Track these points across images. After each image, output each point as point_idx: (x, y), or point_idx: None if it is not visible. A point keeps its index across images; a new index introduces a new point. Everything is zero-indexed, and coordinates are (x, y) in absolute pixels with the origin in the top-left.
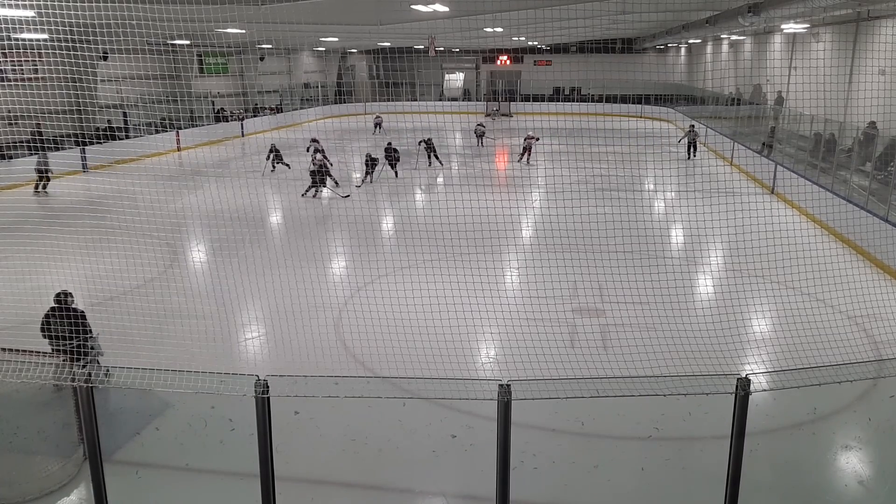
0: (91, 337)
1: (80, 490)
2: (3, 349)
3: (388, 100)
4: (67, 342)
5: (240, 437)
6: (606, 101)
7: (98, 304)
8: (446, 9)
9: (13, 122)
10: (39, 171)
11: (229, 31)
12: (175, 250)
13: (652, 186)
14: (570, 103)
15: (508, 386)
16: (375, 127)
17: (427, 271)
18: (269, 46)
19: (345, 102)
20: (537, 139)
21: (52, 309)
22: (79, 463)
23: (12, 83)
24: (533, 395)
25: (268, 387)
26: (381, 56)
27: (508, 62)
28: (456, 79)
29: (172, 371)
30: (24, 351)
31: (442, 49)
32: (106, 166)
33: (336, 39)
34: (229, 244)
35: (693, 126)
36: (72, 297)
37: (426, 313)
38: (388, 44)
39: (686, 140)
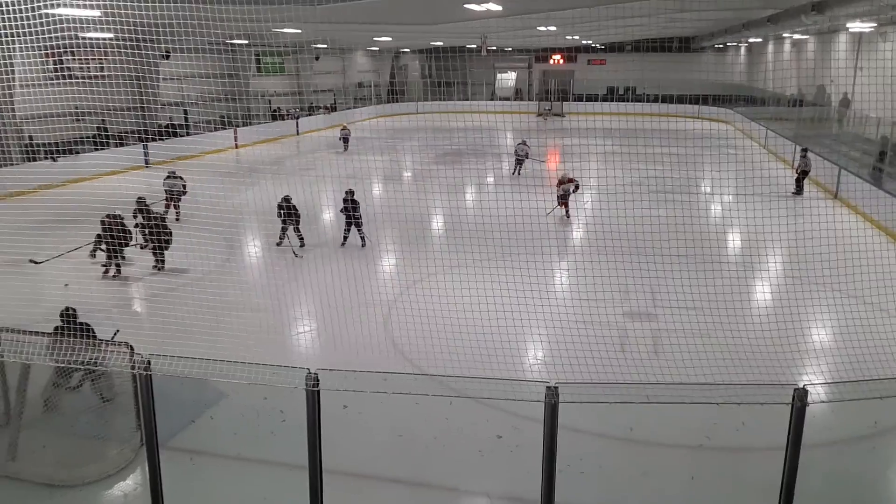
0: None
1: (137, 475)
2: (64, 335)
3: (440, 99)
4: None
5: (290, 428)
6: (662, 102)
7: (158, 294)
8: (500, 8)
9: (80, 118)
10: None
11: (286, 30)
12: (232, 245)
13: (709, 189)
14: (624, 103)
15: (556, 388)
16: (343, 142)
17: (476, 271)
18: (325, 46)
19: (397, 102)
20: (577, 186)
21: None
22: (136, 448)
23: (79, 80)
24: (581, 398)
25: (318, 380)
26: (433, 55)
27: (562, 61)
28: (508, 78)
29: (228, 362)
30: (88, 337)
31: (494, 48)
32: (167, 162)
33: (390, 39)
34: (284, 240)
35: (806, 152)
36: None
37: (474, 313)
38: (440, 43)
39: (798, 169)
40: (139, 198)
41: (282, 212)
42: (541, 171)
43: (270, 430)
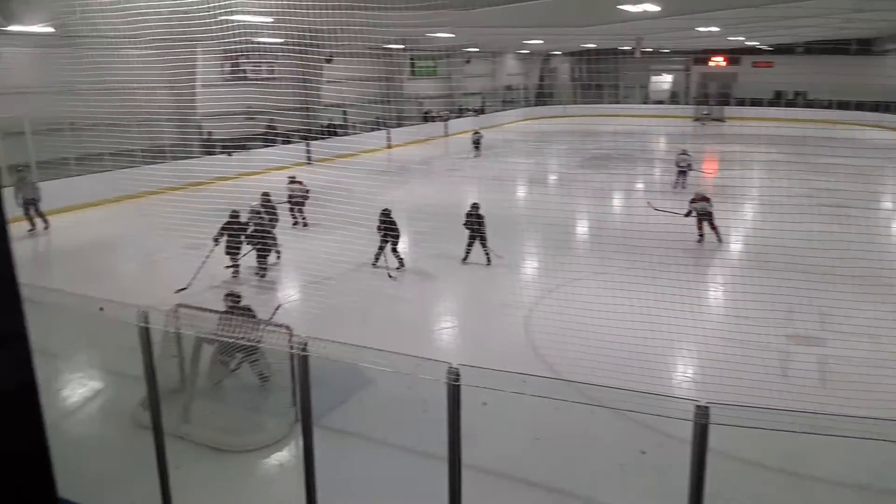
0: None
1: (291, 448)
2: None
3: (590, 102)
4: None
5: (431, 419)
6: (838, 108)
7: (315, 282)
8: (657, 8)
9: (251, 117)
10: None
11: (440, 35)
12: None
13: (890, 205)
14: (793, 109)
15: (706, 408)
16: (474, 146)
17: (623, 279)
18: (476, 50)
19: (545, 105)
20: (708, 203)
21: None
22: (291, 423)
23: (251, 82)
24: (734, 421)
25: (459, 375)
26: (584, 58)
27: (724, 63)
28: (663, 81)
29: (377, 350)
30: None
31: (650, 50)
32: (328, 160)
33: (541, 42)
34: (430, 238)
35: None
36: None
37: (619, 322)
38: (593, 45)
39: None
40: (264, 195)
41: (380, 227)
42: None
43: (413, 419)
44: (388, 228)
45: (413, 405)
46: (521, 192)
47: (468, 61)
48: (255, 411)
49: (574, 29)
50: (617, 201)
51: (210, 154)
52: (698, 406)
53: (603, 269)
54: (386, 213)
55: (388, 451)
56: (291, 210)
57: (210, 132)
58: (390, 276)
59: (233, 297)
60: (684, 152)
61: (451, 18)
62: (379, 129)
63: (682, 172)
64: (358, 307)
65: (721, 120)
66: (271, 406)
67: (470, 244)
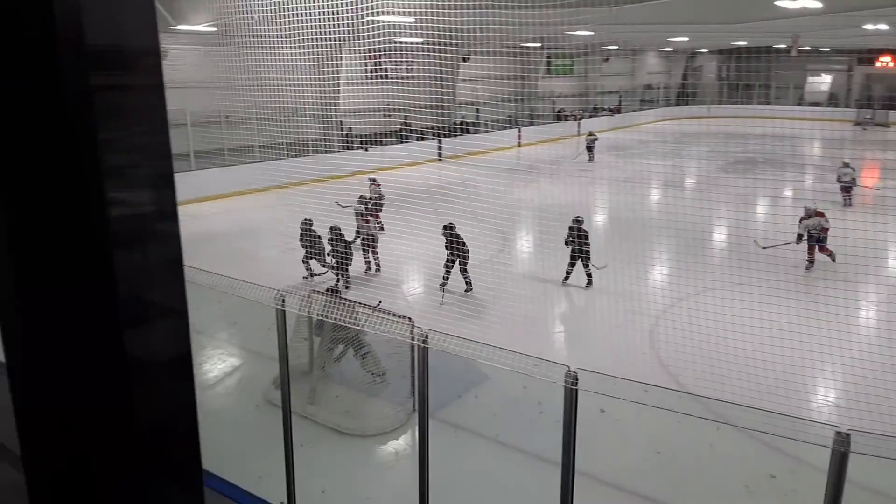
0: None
1: (407, 437)
2: (362, 304)
3: (737, 103)
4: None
5: (546, 422)
6: None
7: (438, 277)
8: (819, 5)
9: (388, 114)
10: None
11: (578, 33)
12: (506, 237)
13: None
14: None
15: (847, 435)
16: (587, 150)
17: (761, 292)
18: (616, 48)
19: (687, 105)
20: (824, 219)
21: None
22: (409, 413)
23: (390, 80)
24: (878, 451)
25: (577, 379)
26: (733, 56)
27: (892, 63)
28: (821, 81)
29: (495, 347)
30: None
31: (807, 48)
32: (458, 157)
33: (686, 39)
34: (553, 238)
35: None
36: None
37: (753, 337)
38: (743, 43)
39: None
40: (361, 199)
41: (448, 243)
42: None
43: (528, 420)
44: (454, 245)
45: (528, 406)
46: (655, 195)
47: (607, 59)
48: (375, 398)
49: (724, 25)
50: (761, 209)
51: (348, 149)
52: (838, 433)
53: (740, 279)
54: (450, 229)
55: (501, 450)
56: (376, 214)
57: (350, 128)
58: (442, 301)
59: (333, 292)
60: (846, 165)
61: (591, 16)
62: (510, 128)
63: (847, 188)
64: (479, 303)
65: (886, 125)
66: (391, 394)
67: (572, 263)
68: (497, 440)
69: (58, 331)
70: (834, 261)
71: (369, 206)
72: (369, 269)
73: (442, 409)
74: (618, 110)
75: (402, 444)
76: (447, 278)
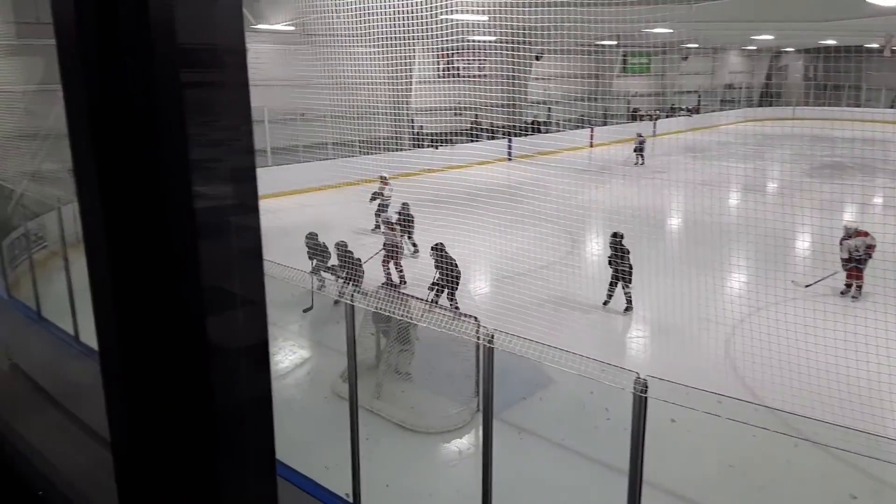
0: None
1: (471, 436)
2: (427, 301)
3: (824, 104)
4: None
5: (613, 428)
6: None
7: (506, 277)
8: None
9: (458, 112)
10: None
11: (656, 31)
12: (575, 239)
13: None
14: None
15: None
16: (637, 154)
17: (847, 302)
18: (695, 46)
19: (770, 105)
20: (870, 246)
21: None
22: (473, 412)
23: (462, 79)
24: None
25: (647, 387)
26: (821, 55)
27: None
28: None
29: (561, 350)
30: (443, 307)
31: None
32: (529, 156)
33: (771, 37)
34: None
35: None
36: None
37: (837, 350)
38: (832, 42)
39: None
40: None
41: (437, 265)
42: None
43: (594, 425)
44: (442, 268)
45: (595, 411)
46: (734, 199)
47: (685, 58)
48: (440, 396)
49: (812, 23)
50: (849, 216)
51: (419, 147)
52: None
53: (823, 290)
54: (439, 249)
55: (565, 455)
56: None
57: (421, 126)
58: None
59: (390, 286)
60: None
61: (670, 13)
62: (583, 127)
63: None
64: (546, 305)
65: None
66: (455, 393)
67: (613, 284)
68: (562, 444)
69: (147, 319)
70: (858, 296)
71: (384, 209)
72: (388, 282)
73: (506, 410)
74: (696, 110)
75: (466, 443)
76: (435, 302)
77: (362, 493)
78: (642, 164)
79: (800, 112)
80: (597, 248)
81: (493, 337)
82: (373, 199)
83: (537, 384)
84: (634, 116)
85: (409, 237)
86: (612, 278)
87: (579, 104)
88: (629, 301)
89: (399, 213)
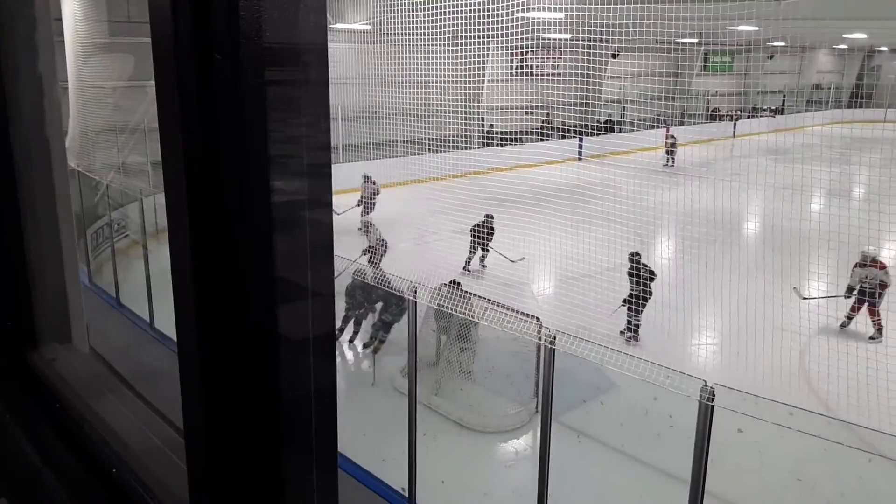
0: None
1: (528, 437)
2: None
3: None
4: None
5: (677, 436)
6: None
7: (571, 278)
8: None
9: (529, 111)
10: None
11: (741, 28)
12: (644, 241)
13: None
14: None
15: None
16: (668, 155)
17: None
18: (782, 44)
19: (861, 107)
20: (884, 273)
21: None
22: (531, 413)
23: (535, 77)
24: None
25: (714, 395)
26: None
27: None
28: None
29: (625, 354)
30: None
31: None
32: (600, 157)
33: (864, 36)
34: (698, 244)
35: None
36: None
37: None
38: None
39: None
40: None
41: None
42: None
43: (657, 433)
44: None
45: (658, 418)
46: (816, 204)
47: (771, 56)
48: (499, 396)
49: None
50: None
51: (488, 145)
52: None
53: None
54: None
55: (625, 461)
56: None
57: (492, 125)
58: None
59: (454, 285)
60: None
61: (756, 10)
62: (658, 127)
63: None
64: (610, 308)
65: None
66: (514, 393)
67: (634, 309)
68: (622, 450)
69: (222, 308)
70: (876, 338)
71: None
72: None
73: (566, 413)
74: (780, 111)
75: (523, 444)
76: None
77: (417, 488)
78: (672, 165)
79: (893, 115)
80: (667, 251)
81: (554, 338)
82: (359, 203)
83: (599, 388)
84: (714, 116)
85: (483, 249)
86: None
87: (656, 103)
88: (629, 329)
89: (480, 225)
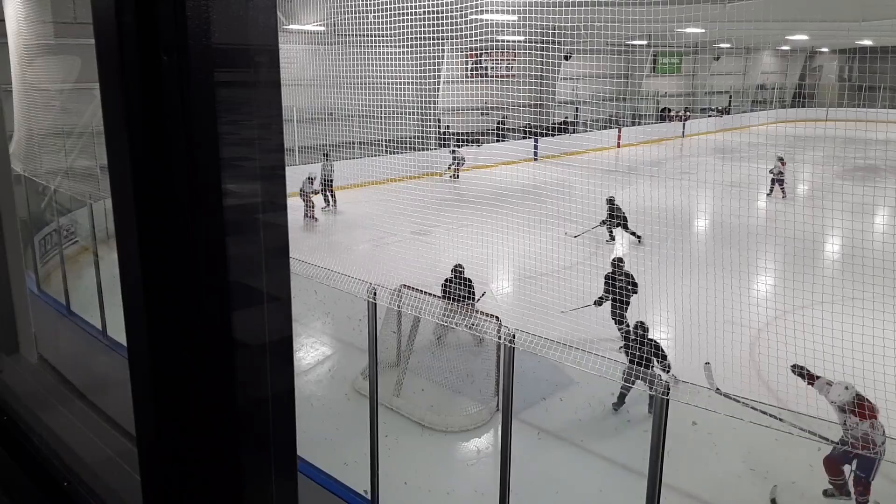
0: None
1: (490, 435)
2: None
3: (858, 105)
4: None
5: (633, 431)
6: None
7: (528, 277)
8: None
9: (485, 112)
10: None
11: (688, 30)
12: (599, 240)
13: None
14: None
15: None
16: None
17: (877, 307)
18: (728, 46)
19: (803, 107)
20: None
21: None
22: (492, 412)
23: (490, 78)
24: None
25: (669, 389)
26: (856, 56)
27: None
28: None
29: (583, 351)
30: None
31: None
32: (554, 157)
33: (806, 38)
34: (651, 242)
35: None
36: (462, 268)
37: (865, 354)
38: (869, 42)
39: None
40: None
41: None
42: None
43: (614, 427)
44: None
45: (616, 413)
46: (762, 200)
47: (717, 58)
48: (459, 395)
49: (848, 23)
50: (880, 219)
51: (444, 146)
52: None
53: (853, 294)
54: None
55: (584, 456)
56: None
57: (448, 126)
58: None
59: (458, 268)
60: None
61: (703, 13)
62: (610, 128)
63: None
64: (569, 306)
65: None
66: (475, 392)
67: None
68: (581, 445)
69: (174, 313)
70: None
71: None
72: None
73: (526, 410)
74: (726, 111)
75: (485, 442)
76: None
77: (380, 491)
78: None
79: (833, 113)
80: (621, 249)
81: (514, 337)
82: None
83: (558, 385)
84: (663, 117)
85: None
86: (612, 313)
87: (608, 104)
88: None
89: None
